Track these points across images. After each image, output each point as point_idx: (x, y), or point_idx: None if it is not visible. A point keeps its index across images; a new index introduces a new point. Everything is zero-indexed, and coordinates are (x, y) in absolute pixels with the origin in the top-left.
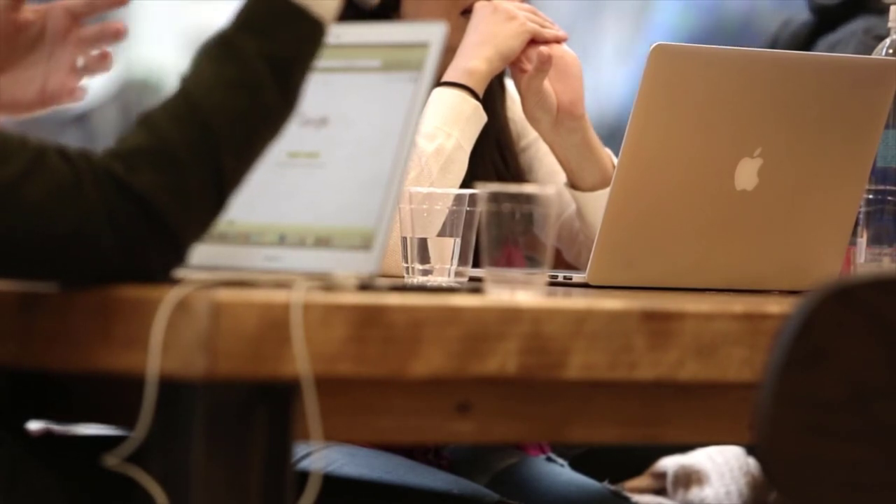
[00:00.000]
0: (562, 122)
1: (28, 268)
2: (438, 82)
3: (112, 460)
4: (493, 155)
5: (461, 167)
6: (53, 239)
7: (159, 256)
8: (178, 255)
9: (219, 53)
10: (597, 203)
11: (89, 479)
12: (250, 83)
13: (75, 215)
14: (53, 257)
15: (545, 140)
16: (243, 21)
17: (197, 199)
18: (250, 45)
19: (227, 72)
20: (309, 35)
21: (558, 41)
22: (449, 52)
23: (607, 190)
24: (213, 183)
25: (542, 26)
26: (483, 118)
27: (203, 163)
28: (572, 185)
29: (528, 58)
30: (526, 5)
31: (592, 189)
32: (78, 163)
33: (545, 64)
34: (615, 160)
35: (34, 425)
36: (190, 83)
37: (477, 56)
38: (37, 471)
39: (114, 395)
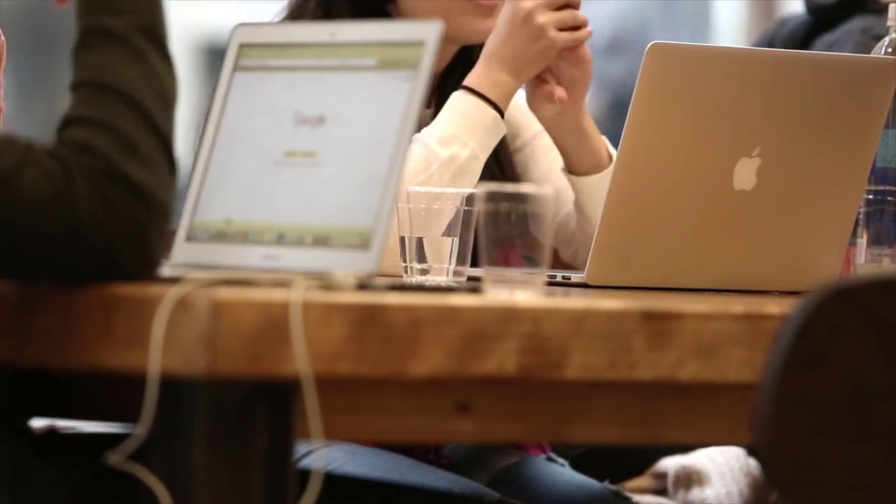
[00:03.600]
0: (563, 110)
1: (27, 263)
2: (460, 86)
3: (115, 458)
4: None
5: (474, 177)
6: (51, 232)
7: (156, 232)
8: (166, 224)
9: (94, 41)
10: (593, 189)
11: (92, 477)
12: (139, 54)
13: (71, 207)
14: (53, 250)
15: (542, 124)
16: (99, 6)
17: (161, 168)
18: (117, 23)
19: (112, 50)
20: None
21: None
22: (450, 42)
23: (602, 175)
24: (163, 147)
25: (574, 26)
26: (502, 130)
27: (148, 133)
28: (569, 169)
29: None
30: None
31: (587, 173)
32: (64, 157)
33: (561, 101)
34: (611, 147)
35: (37, 423)
36: (90, 73)
37: (504, 69)
38: (39, 468)
39: (115, 392)
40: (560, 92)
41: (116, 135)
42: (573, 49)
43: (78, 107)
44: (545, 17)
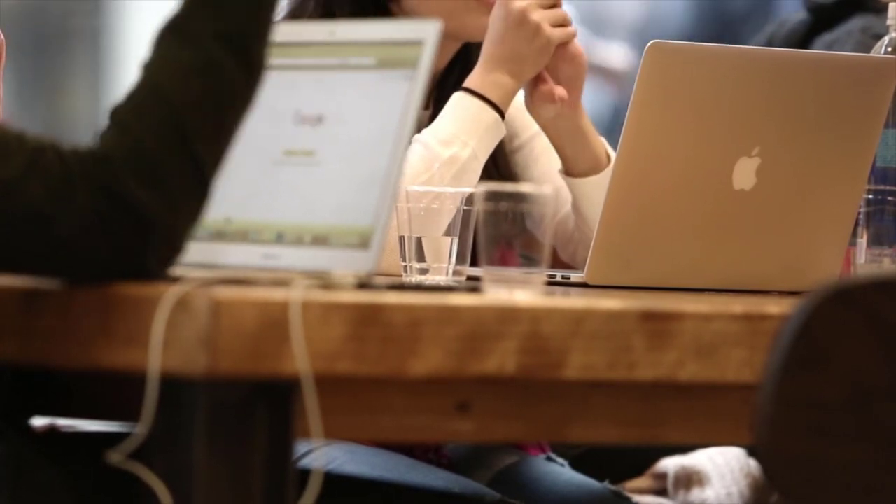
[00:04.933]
0: (560, 111)
1: (24, 268)
2: (461, 87)
3: (115, 457)
4: None
5: (474, 178)
6: (49, 241)
7: (154, 257)
8: (173, 252)
9: (173, 39)
10: (590, 191)
11: (92, 476)
12: (208, 66)
13: (70, 221)
14: (49, 259)
15: (540, 125)
16: (193, 1)
17: (181, 195)
18: (203, 25)
19: (185, 56)
20: (260, 5)
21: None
22: (453, 39)
23: (600, 177)
24: (192, 174)
25: (563, 23)
26: (502, 132)
27: (179, 156)
28: (567, 171)
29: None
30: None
31: (585, 175)
32: (72, 166)
33: (561, 100)
34: (609, 148)
35: (38, 422)
36: (151, 72)
37: (505, 70)
38: (40, 467)
39: (115, 391)
40: (560, 91)
41: (139, 151)
42: (565, 46)
43: (125, 99)
44: (539, 15)
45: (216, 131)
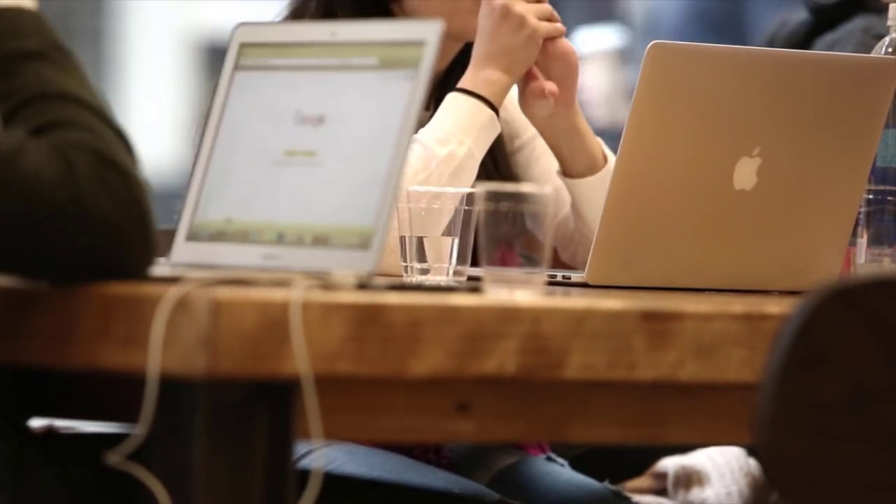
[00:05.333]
0: (553, 109)
1: (35, 244)
2: (455, 88)
3: (114, 458)
4: (484, 157)
5: (471, 175)
6: (57, 210)
7: (154, 214)
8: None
9: (14, 65)
10: (588, 191)
11: (91, 477)
12: (59, 63)
13: (73, 186)
14: (61, 228)
15: (536, 126)
16: (6, 36)
17: (132, 158)
18: (31, 43)
19: (38, 66)
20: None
21: (560, 35)
22: (455, 39)
23: (597, 177)
24: (124, 140)
25: (550, 19)
26: (497, 129)
27: (112, 129)
28: (564, 172)
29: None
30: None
31: (582, 175)
32: (58, 145)
33: (552, 95)
34: (606, 149)
35: (36, 423)
36: (30, 92)
37: (496, 67)
38: (39, 468)
39: (115, 392)
40: (550, 85)
41: (92, 130)
42: (553, 42)
43: (38, 117)
44: (522, 7)
45: (106, 103)
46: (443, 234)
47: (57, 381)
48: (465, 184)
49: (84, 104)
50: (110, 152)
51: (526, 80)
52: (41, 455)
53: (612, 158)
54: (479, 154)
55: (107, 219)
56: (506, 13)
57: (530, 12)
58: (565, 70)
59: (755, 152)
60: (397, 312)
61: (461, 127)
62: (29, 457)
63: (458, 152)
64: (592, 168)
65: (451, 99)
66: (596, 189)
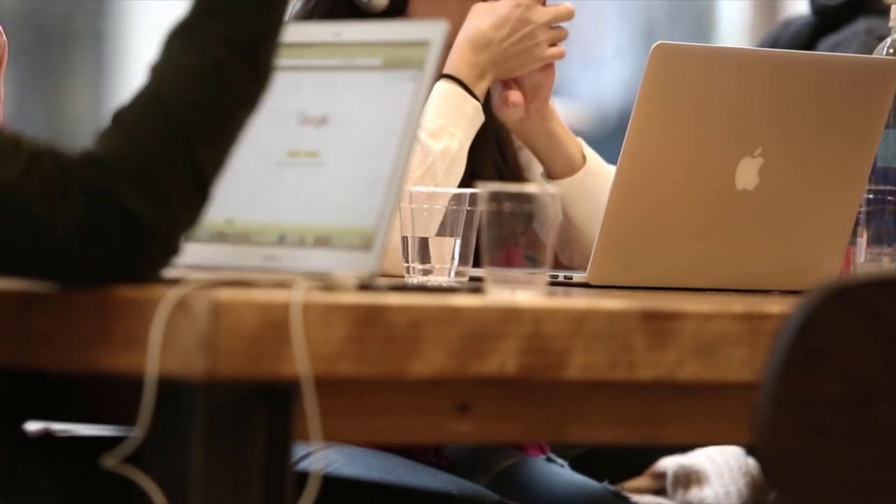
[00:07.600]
0: (528, 114)
1: (18, 273)
2: (441, 74)
3: (111, 461)
4: (494, 153)
5: (462, 167)
6: (44, 246)
7: (148, 262)
8: (167, 257)
9: (181, 43)
10: (567, 192)
11: (88, 480)
12: (214, 72)
13: (64, 226)
14: (43, 264)
15: (511, 129)
16: (203, 6)
17: (178, 201)
18: (212, 31)
19: (191, 62)
20: (270, 10)
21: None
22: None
23: (574, 178)
24: (191, 179)
25: (560, 36)
26: (482, 118)
27: (178, 160)
28: (545, 173)
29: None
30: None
31: (562, 176)
32: (68, 171)
33: (514, 106)
34: (585, 148)
35: (33, 426)
36: (157, 75)
37: (488, 61)
38: (35, 471)
39: (113, 395)
40: (514, 96)
41: (136, 156)
42: None
43: (129, 101)
44: (544, 35)
45: (218, 137)
46: (445, 235)
47: (53, 383)
48: (458, 176)
49: (174, 127)
50: (121, 196)
51: (501, 85)
52: (37, 458)
53: (591, 158)
54: (468, 145)
55: (95, 267)
56: (525, 21)
57: (546, 41)
58: (543, 80)
59: (757, 152)
60: (398, 313)
61: (452, 119)
62: (25, 460)
63: (452, 146)
64: (571, 170)
65: (440, 87)
66: (574, 189)
